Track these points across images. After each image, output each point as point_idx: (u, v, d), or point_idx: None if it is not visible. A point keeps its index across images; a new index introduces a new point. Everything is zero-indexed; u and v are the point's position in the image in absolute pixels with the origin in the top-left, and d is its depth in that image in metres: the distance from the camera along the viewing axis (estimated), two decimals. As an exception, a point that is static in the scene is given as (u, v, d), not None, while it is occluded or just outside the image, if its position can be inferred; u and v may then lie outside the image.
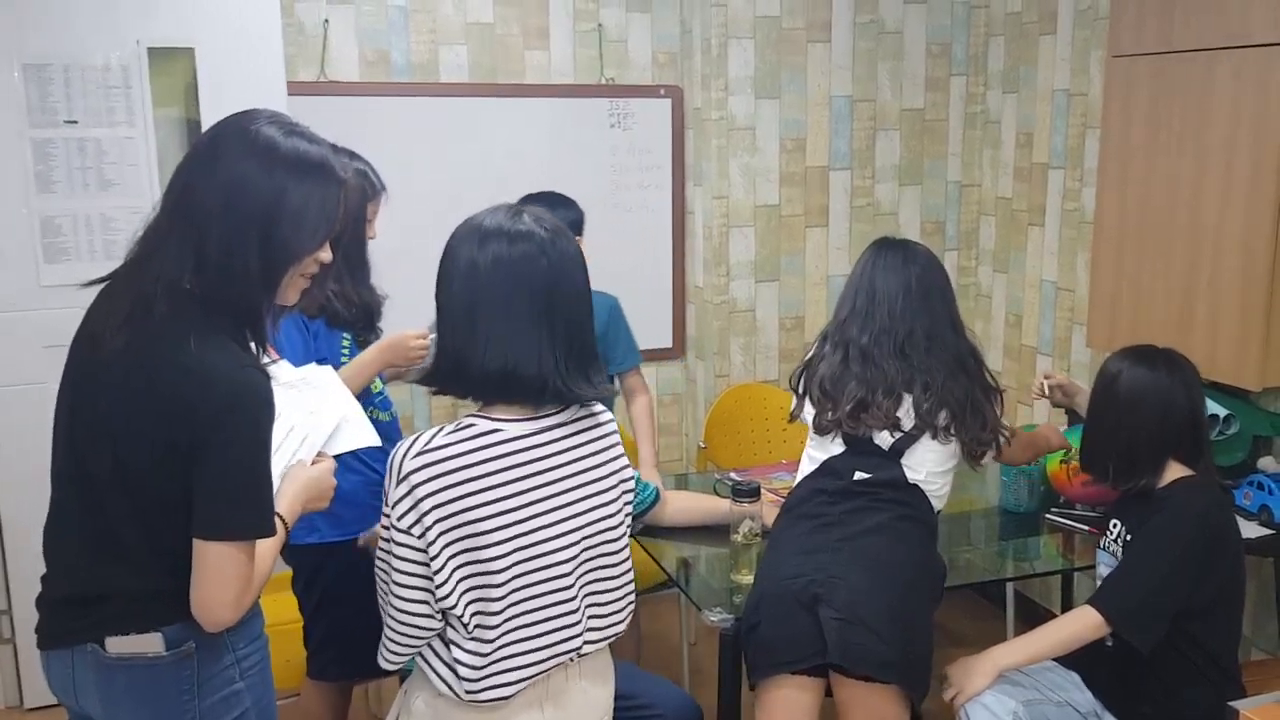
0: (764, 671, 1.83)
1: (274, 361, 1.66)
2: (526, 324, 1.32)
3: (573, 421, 1.40)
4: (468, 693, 1.32)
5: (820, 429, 1.95)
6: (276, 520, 1.35)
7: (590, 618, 1.41)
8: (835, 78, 3.29)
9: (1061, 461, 2.42)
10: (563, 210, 2.49)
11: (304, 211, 1.30)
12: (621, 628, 1.47)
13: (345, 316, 2.12)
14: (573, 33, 3.18)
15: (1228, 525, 1.93)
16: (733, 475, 2.47)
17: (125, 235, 2.70)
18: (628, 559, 1.46)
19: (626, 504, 1.46)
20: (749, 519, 2.02)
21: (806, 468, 1.99)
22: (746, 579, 2.02)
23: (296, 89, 2.82)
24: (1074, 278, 3.04)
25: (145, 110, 2.62)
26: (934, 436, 1.91)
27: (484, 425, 1.33)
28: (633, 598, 1.48)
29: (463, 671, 1.33)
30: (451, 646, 1.34)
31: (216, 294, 1.29)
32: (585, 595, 1.40)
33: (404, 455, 1.30)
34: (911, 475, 1.91)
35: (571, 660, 1.40)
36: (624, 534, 1.44)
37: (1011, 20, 3.24)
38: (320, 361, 1.96)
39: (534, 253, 1.34)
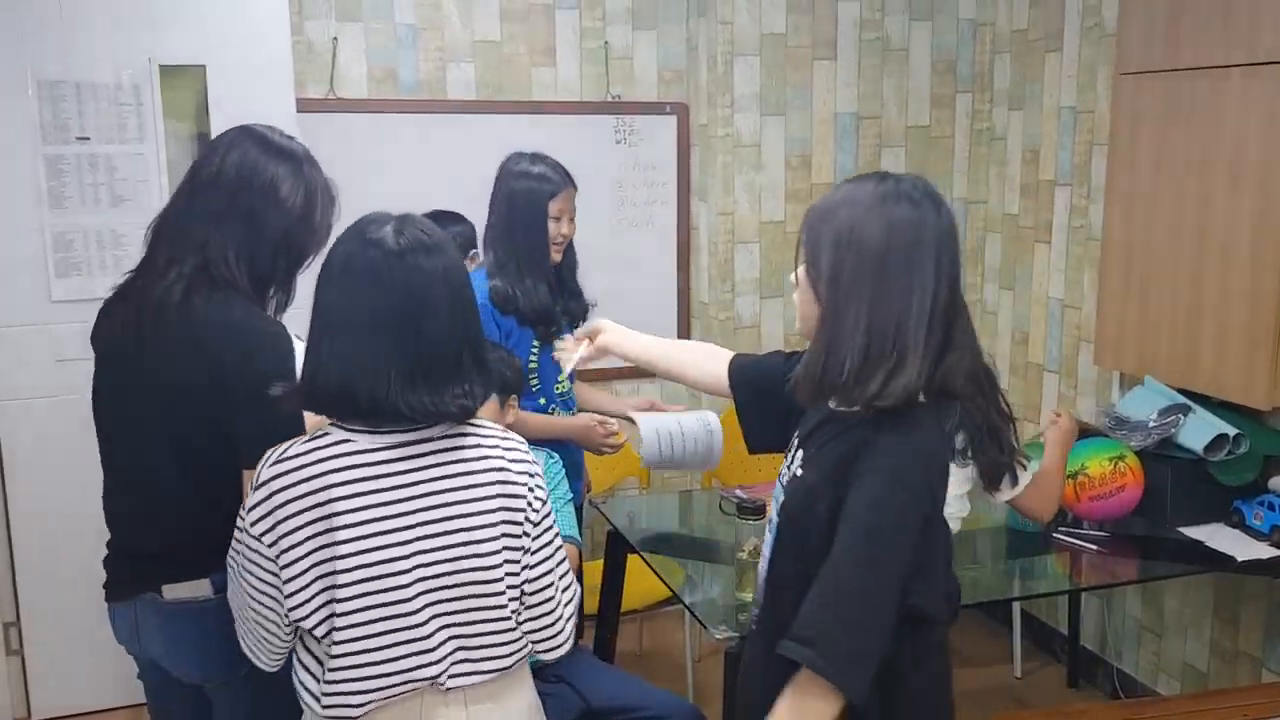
0: None
1: None
2: (364, 337, 1.27)
3: (440, 439, 1.31)
4: (324, 708, 1.30)
5: None
6: None
7: (458, 649, 1.31)
8: (840, 94, 3.30)
9: (1069, 478, 2.40)
10: (453, 225, 2.58)
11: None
12: (505, 663, 1.34)
13: (529, 316, 2.25)
14: (579, 50, 3.20)
15: None
16: (737, 492, 2.46)
17: (136, 250, 2.73)
18: (502, 593, 1.32)
19: (509, 534, 1.32)
20: (754, 536, 2.01)
21: None
22: (751, 596, 2.01)
23: (305, 106, 2.84)
24: (1081, 295, 3.03)
25: (156, 126, 2.65)
26: (950, 459, 1.89)
27: (338, 435, 1.30)
28: (517, 637, 1.35)
29: (314, 687, 1.31)
30: (309, 661, 1.33)
31: (254, 273, 1.55)
32: (441, 625, 1.30)
33: (263, 464, 1.30)
34: None
35: (435, 688, 1.31)
36: (493, 564, 1.30)
37: (1017, 37, 3.25)
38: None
39: (378, 262, 1.28)
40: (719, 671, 1.98)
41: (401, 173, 3.03)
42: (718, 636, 1.91)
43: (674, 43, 3.28)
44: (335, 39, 2.99)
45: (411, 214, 1.36)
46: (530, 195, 2.28)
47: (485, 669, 1.33)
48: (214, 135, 2.62)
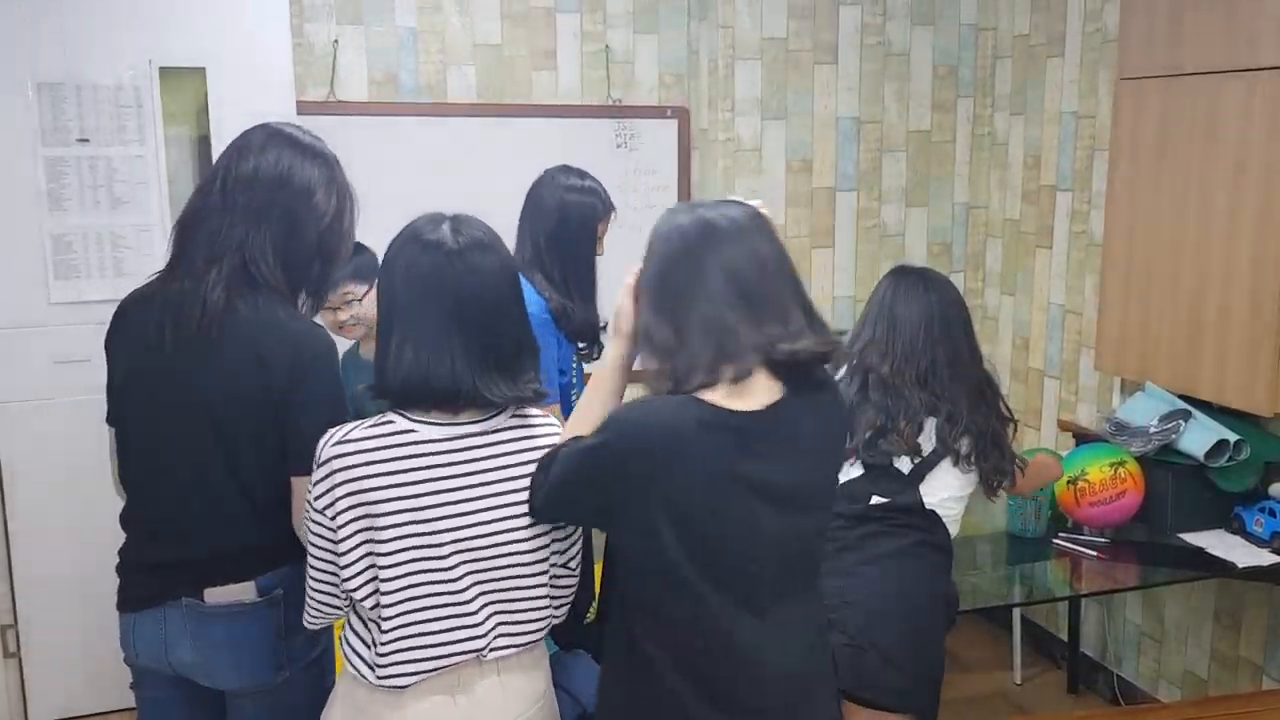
0: None
1: None
2: (435, 333, 1.34)
3: (497, 431, 1.39)
4: (379, 678, 1.36)
5: None
6: None
7: (499, 624, 1.40)
8: (841, 99, 3.30)
9: (1069, 484, 2.40)
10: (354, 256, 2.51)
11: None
12: (537, 636, 1.44)
13: (579, 331, 2.25)
14: (580, 54, 3.20)
15: None
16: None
17: (135, 252, 2.73)
18: (542, 571, 1.42)
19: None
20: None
21: None
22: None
23: (306, 108, 2.84)
24: (1082, 300, 3.03)
25: (156, 129, 2.64)
26: (955, 463, 1.90)
27: (402, 424, 1.35)
28: (548, 610, 1.45)
29: (367, 655, 1.38)
30: (361, 630, 1.39)
31: (289, 275, 1.54)
32: (486, 602, 1.38)
33: (325, 443, 1.35)
34: (929, 500, 1.89)
35: (478, 659, 1.39)
36: (538, 545, 1.40)
37: (1019, 42, 3.25)
38: (561, 372, 2.15)
39: (441, 262, 1.35)
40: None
41: (402, 176, 3.02)
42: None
43: (675, 46, 3.28)
44: (336, 41, 2.99)
45: (462, 214, 1.43)
46: (584, 210, 2.26)
47: (520, 641, 1.42)
48: (214, 138, 2.66)
